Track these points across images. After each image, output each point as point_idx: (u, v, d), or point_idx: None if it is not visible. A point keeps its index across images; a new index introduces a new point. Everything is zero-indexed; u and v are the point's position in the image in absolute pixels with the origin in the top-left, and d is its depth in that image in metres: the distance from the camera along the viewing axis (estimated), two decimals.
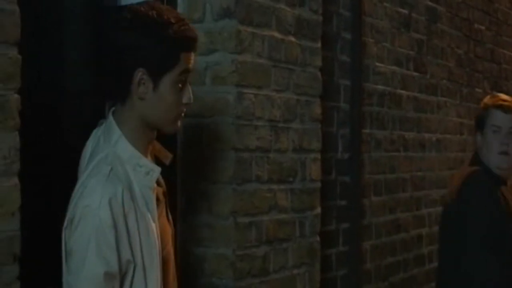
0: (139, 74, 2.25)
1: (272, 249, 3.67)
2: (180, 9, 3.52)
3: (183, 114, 2.37)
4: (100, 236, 2.13)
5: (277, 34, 3.71)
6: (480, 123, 3.88)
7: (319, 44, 4.06)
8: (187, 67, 2.31)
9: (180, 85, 2.30)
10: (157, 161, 2.44)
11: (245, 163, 3.49)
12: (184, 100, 2.32)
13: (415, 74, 5.53)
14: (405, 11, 5.37)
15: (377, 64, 5.01)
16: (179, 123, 2.38)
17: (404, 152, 5.37)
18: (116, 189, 2.17)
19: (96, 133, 2.37)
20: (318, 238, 4.04)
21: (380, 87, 5.04)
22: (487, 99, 3.95)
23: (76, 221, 2.15)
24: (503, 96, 3.94)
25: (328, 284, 4.39)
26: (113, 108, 2.36)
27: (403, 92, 5.34)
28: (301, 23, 3.90)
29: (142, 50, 2.24)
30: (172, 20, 2.27)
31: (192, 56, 2.33)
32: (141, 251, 2.22)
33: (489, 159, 3.80)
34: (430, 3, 5.76)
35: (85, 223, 2.13)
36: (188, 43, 2.30)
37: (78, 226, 2.15)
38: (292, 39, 3.83)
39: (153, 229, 2.27)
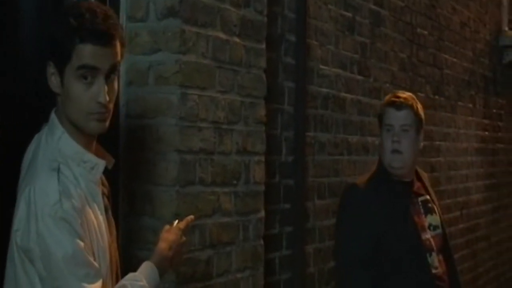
0: (50, 67, 2.26)
1: (215, 253, 3.62)
2: (123, 8, 3.46)
3: (103, 114, 2.27)
4: (67, 223, 2.13)
5: (221, 35, 3.66)
6: (379, 123, 3.76)
7: (263, 46, 4.02)
8: (87, 62, 2.21)
9: (85, 81, 2.22)
10: None
11: (188, 165, 3.44)
12: (98, 99, 2.24)
13: (359, 77, 5.53)
14: (349, 14, 5.37)
15: (321, 66, 5.00)
16: (101, 123, 2.28)
17: (348, 156, 5.36)
18: (66, 184, 2.18)
19: (38, 137, 2.34)
20: (261, 242, 4.00)
21: (324, 89, 5.03)
22: (385, 98, 3.85)
23: (33, 220, 2.13)
24: (399, 93, 3.81)
25: None
26: (55, 108, 2.34)
27: (347, 95, 5.34)
28: (245, 24, 3.86)
29: (49, 42, 2.25)
30: (83, 11, 2.21)
31: (98, 50, 2.21)
32: (91, 243, 2.23)
33: (384, 158, 3.68)
34: (374, 7, 5.77)
35: (49, 220, 2.12)
36: (84, 35, 2.19)
37: (39, 225, 2.12)
38: (237, 40, 3.79)
39: (101, 222, 2.27)
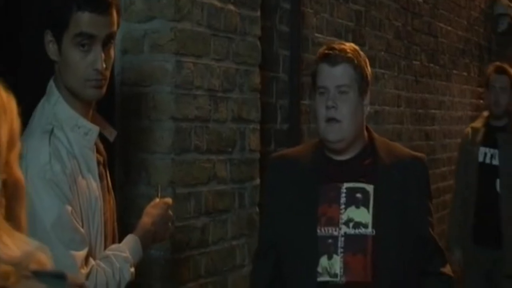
0: (47, 35, 2.28)
1: (211, 221, 3.64)
2: None
3: (100, 80, 2.29)
4: (56, 186, 2.15)
5: (216, 2, 3.65)
6: (312, 85, 2.87)
7: (258, 13, 4.01)
8: (85, 30, 2.23)
9: (82, 49, 2.25)
10: (101, 137, 2.43)
11: (183, 133, 3.44)
12: (95, 66, 2.26)
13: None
14: None
15: (316, 34, 4.98)
16: (98, 90, 2.30)
17: None
18: (58, 147, 2.20)
19: (37, 106, 2.36)
20: (257, 209, 4.01)
21: None
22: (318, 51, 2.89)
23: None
24: (336, 43, 2.86)
25: None
26: (53, 76, 2.36)
27: None
28: None
29: (47, 10, 2.27)
30: None
31: (95, 18, 2.23)
32: (81, 210, 2.23)
33: (319, 130, 2.82)
34: None
35: (38, 182, 2.13)
36: (82, 3, 2.21)
37: (28, 185, 2.09)
38: (232, 7, 3.77)
39: (94, 189, 2.27)
